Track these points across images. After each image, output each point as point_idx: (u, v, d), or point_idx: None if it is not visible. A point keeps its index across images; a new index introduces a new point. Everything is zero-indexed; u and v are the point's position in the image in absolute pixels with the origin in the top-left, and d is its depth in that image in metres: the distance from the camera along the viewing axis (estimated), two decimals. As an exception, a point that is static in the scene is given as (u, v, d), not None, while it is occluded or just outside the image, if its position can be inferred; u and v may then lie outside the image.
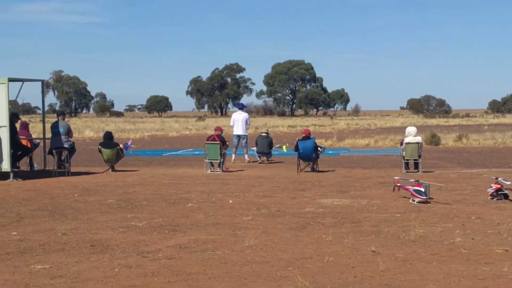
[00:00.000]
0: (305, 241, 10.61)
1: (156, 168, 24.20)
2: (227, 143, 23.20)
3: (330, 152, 32.02)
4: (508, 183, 15.35)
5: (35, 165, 23.21)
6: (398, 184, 15.96)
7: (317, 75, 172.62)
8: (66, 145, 22.15)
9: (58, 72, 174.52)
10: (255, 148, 27.01)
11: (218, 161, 22.61)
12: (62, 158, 22.19)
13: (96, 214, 13.58)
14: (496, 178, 15.67)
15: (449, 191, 16.83)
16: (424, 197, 14.83)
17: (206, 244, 10.43)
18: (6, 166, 20.09)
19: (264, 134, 27.23)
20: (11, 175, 20.10)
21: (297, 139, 22.79)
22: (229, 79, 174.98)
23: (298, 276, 8.40)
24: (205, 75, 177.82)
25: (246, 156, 27.00)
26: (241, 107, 28.55)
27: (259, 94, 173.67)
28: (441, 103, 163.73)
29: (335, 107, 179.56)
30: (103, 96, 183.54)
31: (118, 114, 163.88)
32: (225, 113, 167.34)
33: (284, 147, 30.68)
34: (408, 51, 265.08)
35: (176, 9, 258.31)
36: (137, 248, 10.15)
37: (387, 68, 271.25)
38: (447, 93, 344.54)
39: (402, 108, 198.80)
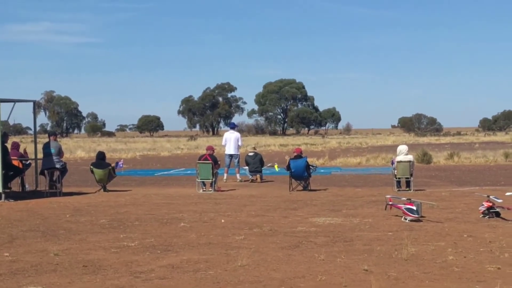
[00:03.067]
0: (297, 260, 10.60)
1: (148, 188, 24.17)
2: (219, 162, 23.21)
3: (322, 170, 32.05)
4: (500, 201, 15.38)
5: (26, 186, 23.17)
6: (390, 203, 15.97)
7: (309, 94, 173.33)
8: (57, 166, 22.11)
9: (49, 92, 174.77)
10: (247, 167, 27.00)
11: (210, 180, 22.61)
12: (54, 178, 22.13)
13: (88, 234, 13.55)
14: (488, 196, 15.69)
15: (441, 209, 16.85)
16: (416, 216, 14.85)
17: (199, 264, 10.42)
18: (-3, 186, 20.01)
19: (252, 153, 27.19)
20: (3, 195, 20.04)
21: (288, 158, 22.77)
22: (220, 99, 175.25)
23: (291, 295, 8.39)
24: (196, 94, 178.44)
25: (238, 175, 27.01)
26: (233, 127, 28.59)
27: (250, 113, 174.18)
28: (432, 121, 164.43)
29: (327, 125, 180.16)
30: (94, 116, 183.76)
31: (110, 134, 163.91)
32: (216, 133, 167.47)
33: (276, 166, 30.69)
34: (399, 69, 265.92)
35: (168, 29, 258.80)
36: (130, 268, 10.13)
37: (378, 86, 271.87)
38: (438, 111, 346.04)
39: (393, 126, 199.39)
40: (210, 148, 23.72)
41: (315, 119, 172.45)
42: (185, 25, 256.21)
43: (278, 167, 29.93)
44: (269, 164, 31.32)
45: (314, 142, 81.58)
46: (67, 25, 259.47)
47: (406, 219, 14.85)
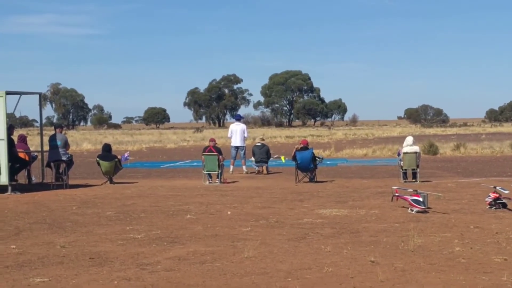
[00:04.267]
0: (304, 252, 10.60)
1: (154, 180, 24.19)
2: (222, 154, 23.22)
3: (328, 162, 32.01)
4: (507, 192, 15.36)
5: (33, 178, 23.20)
6: (397, 194, 15.95)
7: (315, 86, 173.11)
8: (64, 158, 22.12)
9: (55, 84, 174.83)
10: (253, 159, 26.99)
11: (216, 172, 22.62)
12: (60, 170, 22.15)
13: (94, 226, 13.57)
14: (494, 187, 15.68)
15: (447, 201, 16.83)
16: (423, 207, 14.83)
17: (205, 255, 10.42)
18: (4, 179, 20.07)
19: (259, 144, 27.19)
20: (9, 188, 20.09)
21: (295, 149, 22.77)
22: (226, 90, 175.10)
23: (298, 287, 8.40)
24: (202, 86, 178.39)
25: (244, 167, 27.01)
26: (239, 118, 28.58)
27: (256, 105, 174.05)
28: (439, 112, 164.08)
29: (333, 117, 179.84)
30: (100, 109, 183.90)
31: (116, 126, 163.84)
32: (222, 124, 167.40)
33: (282, 157, 30.67)
34: (405, 60, 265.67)
35: (173, 20, 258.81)
36: (136, 260, 10.14)
37: (384, 77, 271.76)
38: (444, 103, 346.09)
39: (399, 117, 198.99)
40: (212, 139, 23.74)
41: (321, 111, 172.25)
42: (191, 16, 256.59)
43: (285, 158, 29.91)
44: (275, 156, 31.31)
45: (320, 134, 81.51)
46: (72, 17, 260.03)
47: (412, 211, 14.84)
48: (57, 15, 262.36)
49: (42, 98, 24.72)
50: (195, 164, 32.38)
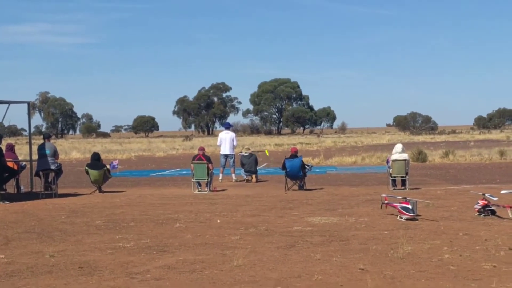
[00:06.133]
0: (293, 260, 10.60)
1: (144, 189, 24.16)
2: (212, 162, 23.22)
3: (317, 170, 32.05)
4: (495, 199, 15.40)
5: (22, 187, 23.13)
6: (386, 202, 15.98)
7: (303, 93, 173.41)
8: (53, 167, 22.07)
9: (44, 93, 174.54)
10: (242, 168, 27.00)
11: (206, 180, 22.61)
12: (49, 180, 22.10)
13: (83, 235, 13.53)
14: (483, 194, 15.72)
15: (436, 208, 16.86)
16: (412, 214, 14.86)
17: (195, 264, 10.41)
18: (-8, 188, 19.99)
19: (247, 154, 27.19)
20: (-2, 197, 20.02)
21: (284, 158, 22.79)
22: (215, 99, 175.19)
23: (287, 295, 8.40)
24: (191, 94, 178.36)
25: (233, 175, 27.01)
26: (228, 127, 28.59)
27: (245, 113, 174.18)
28: (427, 119, 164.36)
29: (322, 125, 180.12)
30: (89, 117, 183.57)
31: (105, 135, 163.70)
32: (212, 133, 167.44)
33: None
34: (394, 68, 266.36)
35: (162, 29, 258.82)
36: (126, 269, 10.12)
37: (373, 85, 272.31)
38: (433, 110, 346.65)
39: (388, 125, 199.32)
40: (201, 148, 23.76)
41: (310, 119, 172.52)
42: (180, 25, 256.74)
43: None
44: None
45: (310, 142, 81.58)
46: (62, 26, 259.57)
47: (401, 218, 14.86)
48: (48, 24, 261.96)
49: (31, 107, 24.68)
50: (184, 172, 32.36)
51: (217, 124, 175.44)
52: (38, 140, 56.27)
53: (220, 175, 26.82)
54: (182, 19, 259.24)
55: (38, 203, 19.83)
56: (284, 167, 22.45)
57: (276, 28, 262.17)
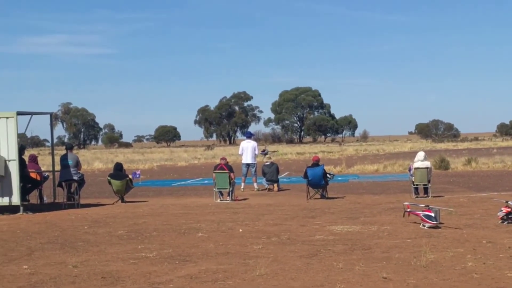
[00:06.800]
0: (316, 269, 10.58)
1: (166, 198, 24.20)
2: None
3: (339, 178, 32.00)
4: (519, 206, 15.30)
5: (44, 198, 23.25)
6: (408, 210, 15.92)
7: (325, 102, 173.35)
8: (75, 177, 22.16)
9: (66, 104, 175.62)
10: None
11: (227, 189, 22.63)
12: (72, 190, 22.19)
13: (106, 245, 13.58)
14: (506, 202, 15.62)
15: (459, 216, 16.78)
16: (435, 222, 14.79)
17: (217, 273, 10.41)
18: (16, 199, 20.14)
19: (268, 163, 27.17)
20: (21, 208, 20.14)
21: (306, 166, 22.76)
22: (237, 108, 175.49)
23: (310, 304, 8.38)
24: (212, 104, 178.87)
25: (255, 184, 27.00)
26: (249, 136, 28.60)
27: (267, 122, 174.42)
28: (449, 127, 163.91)
29: (343, 133, 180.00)
30: (111, 127, 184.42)
31: (127, 145, 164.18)
32: (233, 142, 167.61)
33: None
34: (415, 75, 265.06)
35: (183, 39, 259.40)
36: (148, 279, 10.14)
37: (395, 93, 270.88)
38: (455, 117, 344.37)
39: (410, 133, 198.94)
40: (223, 158, 23.85)
41: (332, 127, 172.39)
42: (200, 35, 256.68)
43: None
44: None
45: (331, 150, 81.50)
46: (83, 36, 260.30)
47: (424, 226, 14.80)
48: (69, 35, 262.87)
49: (53, 118, 24.82)
50: (206, 182, 32.40)
51: (238, 133, 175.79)
52: (60, 151, 56.53)
53: (242, 184, 26.83)
54: (202, 29, 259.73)
55: (61, 214, 19.92)
56: (306, 175, 22.43)
57: (297, 36, 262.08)
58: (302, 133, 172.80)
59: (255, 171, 27.20)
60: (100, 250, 13.06)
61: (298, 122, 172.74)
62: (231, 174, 22.56)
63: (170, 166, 53.74)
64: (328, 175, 22.98)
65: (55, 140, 34.73)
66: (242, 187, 26.59)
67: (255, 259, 11.52)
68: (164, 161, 60.19)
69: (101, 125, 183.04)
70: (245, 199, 23.01)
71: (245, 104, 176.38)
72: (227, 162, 23.52)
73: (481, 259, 11.06)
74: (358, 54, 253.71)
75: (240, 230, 15.22)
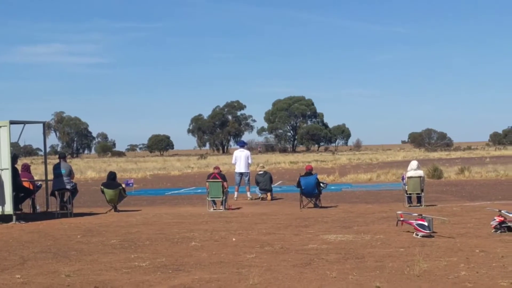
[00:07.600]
0: (309, 278, 10.57)
1: (159, 208, 24.17)
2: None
3: (333, 187, 32.00)
4: (512, 215, 15.34)
5: (37, 207, 23.20)
6: (401, 219, 15.92)
7: (318, 111, 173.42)
8: (68, 186, 22.13)
9: (59, 113, 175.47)
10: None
11: (221, 199, 22.62)
12: (65, 199, 22.16)
13: (99, 255, 13.55)
14: (499, 211, 15.65)
15: (452, 225, 16.80)
16: (428, 231, 14.80)
17: (210, 283, 10.40)
18: (8, 208, 20.08)
19: (261, 172, 27.16)
20: (14, 217, 20.08)
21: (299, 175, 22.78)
22: (230, 117, 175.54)
23: (303, 313, 8.37)
24: (206, 113, 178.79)
25: (248, 193, 27.00)
26: (242, 145, 28.62)
27: (260, 131, 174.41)
28: (442, 136, 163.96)
29: (337, 142, 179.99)
30: (104, 136, 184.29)
31: (120, 154, 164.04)
32: (226, 151, 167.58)
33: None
34: (408, 85, 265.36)
35: (176, 49, 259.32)
36: (141, 289, 10.12)
37: (388, 102, 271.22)
38: (448, 126, 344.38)
39: (403, 142, 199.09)
40: (217, 167, 23.86)
41: (325, 136, 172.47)
42: (194, 44, 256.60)
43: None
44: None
45: (324, 159, 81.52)
46: (77, 46, 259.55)
47: (417, 235, 14.81)
48: (63, 45, 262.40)
49: (46, 127, 24.80)
50: (199, 191, 32.38)
51: (231, 142, 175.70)
52: (53, 160, 56.46)
53: (235, 193, 26.83)
54: (196, 39, 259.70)
55: (54, 223, 19.88)
56: (299, 184, 22.44)
57: (290, 46, 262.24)
58: (295, 142, 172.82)
59: (249, 180, 27.21)
60: (93, 259, 13.03)
61: (291, 131, 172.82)
62: (225, 183, 22.56)
63: (163, 175, 53.68)
64: (321, 184, 23.00)
65: (48, 149, 34.70)
66: (235, 196, 26.59)
67: (248, 268, 11.50)
68: (157, 170, 60.14)
69: (94, 134, 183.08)
70: (238, 208, 23.00)
71: (238, 113, 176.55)
72: (220, 171, 23.53)
73: (474, 268, 11.07)
74: (351, 64, 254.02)
75: (234, 239, 15.21)
